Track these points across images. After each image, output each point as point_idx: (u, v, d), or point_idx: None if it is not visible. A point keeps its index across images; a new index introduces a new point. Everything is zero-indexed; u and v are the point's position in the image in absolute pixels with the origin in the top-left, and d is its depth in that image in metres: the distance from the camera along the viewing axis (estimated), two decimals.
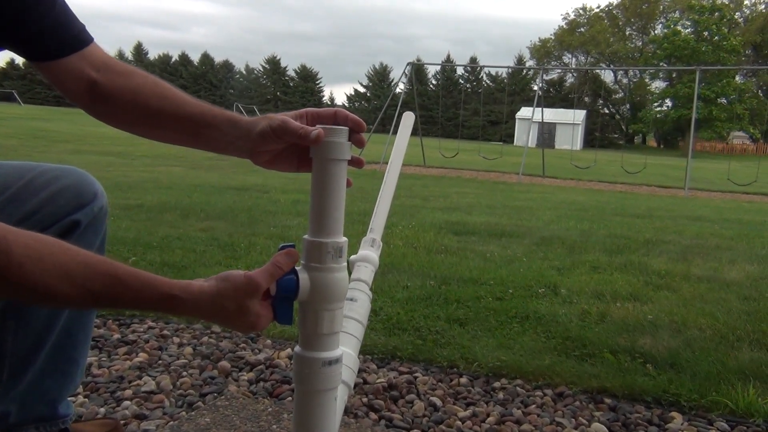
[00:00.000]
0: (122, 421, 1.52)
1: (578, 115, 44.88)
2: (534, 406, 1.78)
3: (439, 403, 1.75)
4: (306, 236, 0.88)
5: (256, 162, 0.96)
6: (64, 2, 0.99)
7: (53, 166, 1.18)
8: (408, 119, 1.29)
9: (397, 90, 17.56)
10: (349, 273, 1.08)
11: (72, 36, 0.99)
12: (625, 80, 54.72)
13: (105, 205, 1.22)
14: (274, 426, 1.54)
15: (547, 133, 37.53)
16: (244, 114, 1.07)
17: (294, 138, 0.88)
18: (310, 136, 0.85)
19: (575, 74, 53.27)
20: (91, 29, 1.02)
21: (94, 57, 1.01)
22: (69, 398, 1.31)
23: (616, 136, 59.36)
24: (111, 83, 1.00)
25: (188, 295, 0.81)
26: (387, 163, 1.22)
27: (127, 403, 1.64)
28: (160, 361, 1.95)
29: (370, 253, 1.13)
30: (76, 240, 1.16)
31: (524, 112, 45.26)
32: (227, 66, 74.31)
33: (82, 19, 1.02)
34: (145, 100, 0.99)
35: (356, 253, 1.14)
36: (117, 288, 0.78)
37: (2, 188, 1.10)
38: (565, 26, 67.01)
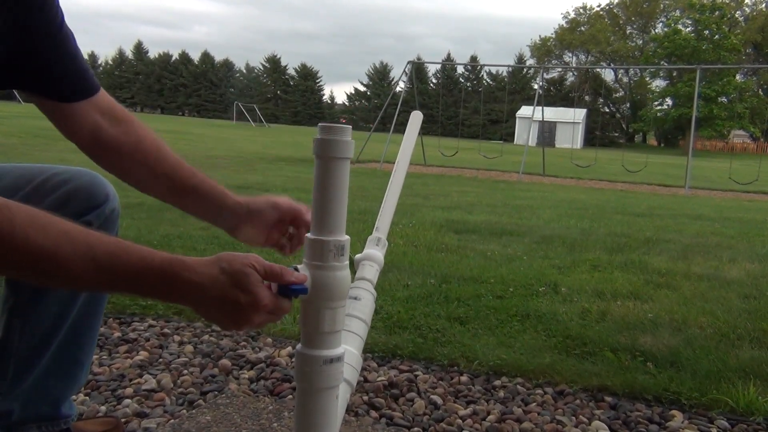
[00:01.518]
0: (123, 420, 1.53)
1: (579, 114, 44.86)
2: (534, 404, 1.78)
3: (439, 401, 1.75)
4: (308, 234, 0.88)
5: (236, 236, 1.13)
6: (75, 48, 1.06)
7: (65, 168, 1.18)
8: (416, 119, 1.28)
9: (398, 89, 17.54)
10: (353, 271, 1.08)
11: (86, 85, 1.07)
12: (625, 79, 54.63)
13: (117, 207, 1.22)
14: (275, 424, 1.54)
15: (547, 131, 37.54)
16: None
17: (287, 214, 1.12)
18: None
19: (576, 73, 53.30)
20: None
21: (101, 102, 1.09)
22: (71, 399, 1.31)
23: (616, 134, 59.36)
24: (114, 129, 1.09)
25: (192, 259, 0.81)
26: (387, 161, 1.22)
27: (127, 401, 1.64)
28: (161, 360, 1.95)
29: (375, 251, 1.13)
30: None
31: (524, 110, 45.24)
32: (227, 65, 74.27)
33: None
34: (144, 155, 1.09)
35: (359, 251, 1.14)
36: (120, 253, 0.77)
37: (14, 190, 1.11)
38: (565, 25, 66.99)
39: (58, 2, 1.01)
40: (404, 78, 14.79)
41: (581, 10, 67.74)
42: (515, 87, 58.15)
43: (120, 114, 1.10)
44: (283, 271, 0.84)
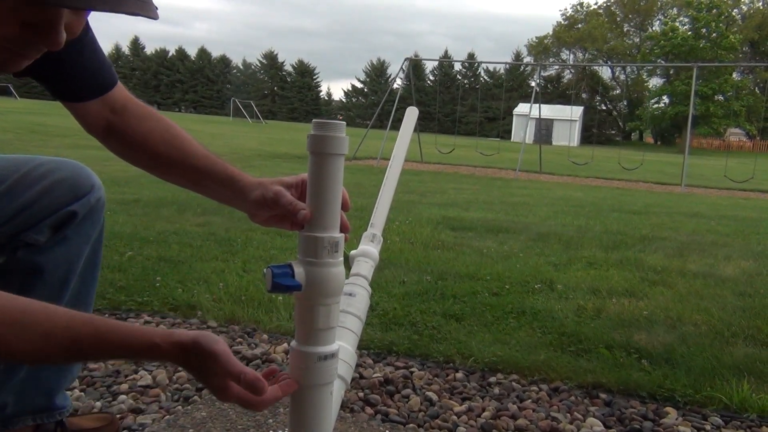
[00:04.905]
0: (118, 415, 1.53)
1: (576, 112, 44.87)
2: (529, 401, 1.78)
3: (435, 397, 1.76)
4: (302, 231, 0.88)
5: (253, 221, 1.03)
6: (95, 46, 1.05)
7: (49, 159, 1.18)
8: (411, 114, 1.28)
9: (395, 86, 17.53)
10: (349, 268, 1.07)
11: (96, 83, 1.06)
12: (622, 77, 54.77)
13: (102, 196, 1.23)
14: (270, 420, 1.55)
15: (544, 129, 37.51)
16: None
17: (284, 212, 0.93)
18: (298, 215, 0.88)
19: (573, 70, 53.30)
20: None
21: (115, 99, 1.08)
22: (65, 391, 1.31)
23: (613, 132, 59.40)
24: (124, 125, 1.08)
25: (168, 343, 0.81)
26: (384, 158, 1.22)
27: (123, 397, 1.64)
28: None
29: (370, 248, 1.13)
30: (74, 230, 1.17)
31: (522, 108, 45.26)
32: (224, 61, 74.10)
33: None
34: (154, 146, 1.07)
35: (355, 247, 1.14)
36: (101, 345, 0.80)
37: None
38: (563, 22, 66.96)
39: None
40: (401, 75, 14.79)
41: (578, 8, 67.77)
42: (512, 84, 58.17)
43: (136, 109, 1.09)
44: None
